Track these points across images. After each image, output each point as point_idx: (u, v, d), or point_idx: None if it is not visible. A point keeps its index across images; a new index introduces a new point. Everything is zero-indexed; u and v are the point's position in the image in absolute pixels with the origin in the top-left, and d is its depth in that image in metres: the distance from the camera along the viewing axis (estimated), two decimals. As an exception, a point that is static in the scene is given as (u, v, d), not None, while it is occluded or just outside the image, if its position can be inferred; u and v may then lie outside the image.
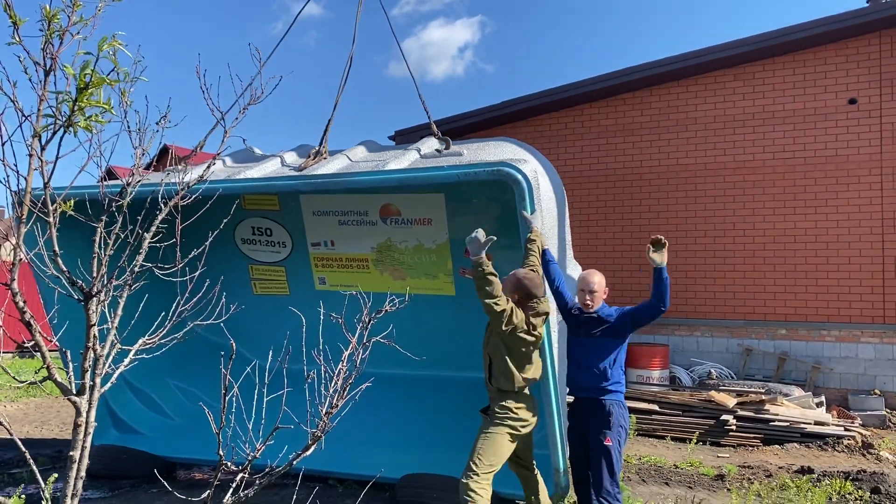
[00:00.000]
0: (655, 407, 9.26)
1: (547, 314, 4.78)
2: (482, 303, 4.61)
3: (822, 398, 10.28)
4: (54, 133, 2.30)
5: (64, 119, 2.27)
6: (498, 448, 4.66)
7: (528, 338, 4.67)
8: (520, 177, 4.99)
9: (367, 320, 3.05)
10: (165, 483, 3.15)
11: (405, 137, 13.62)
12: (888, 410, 10.21)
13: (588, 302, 4.91)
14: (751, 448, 8.60)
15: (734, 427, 8.80)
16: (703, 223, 11.80)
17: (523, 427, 4.74)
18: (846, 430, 8.86)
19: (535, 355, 4.86)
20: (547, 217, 5.46)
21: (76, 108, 2.26)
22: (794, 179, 11.26)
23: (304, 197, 7.19)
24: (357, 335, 2.94)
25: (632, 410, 9.06)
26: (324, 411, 2.81)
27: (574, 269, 6.63)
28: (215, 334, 5.94)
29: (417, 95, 6.97)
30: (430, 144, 6.65)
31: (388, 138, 14.07)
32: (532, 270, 4.91)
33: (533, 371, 4.79)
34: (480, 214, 6.74)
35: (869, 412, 10.04)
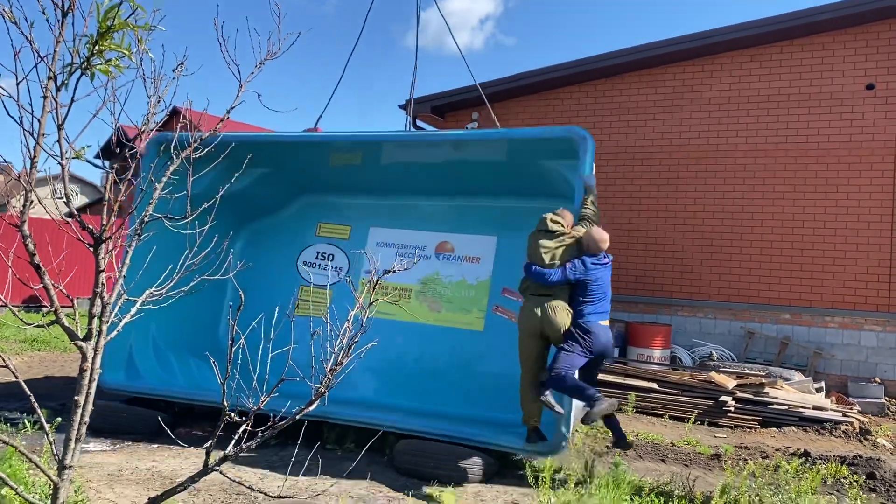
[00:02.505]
0: (655, 385, 9.29)
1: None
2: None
3: (822, 384, 10.30)
4: (70, 74, 2.27)
5: (81, 61, 2.24)
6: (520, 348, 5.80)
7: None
8: (586, 135, 6.15)
9: (374, 280, 3.07)
10: (170, 432, 3.18)
11: (417, 107, 13.55)
12: (887, 399, 10.23)
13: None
14: (748, 430, 8.65)
15: (733, 408, 8.84)
16: (712, 204, 11.73)
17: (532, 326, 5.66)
18: (844, 416, 8.89)
19: None
20: None
21: (96, 50, 2.23)
22: (806, 164, 11.17)
23: (373, 228, 8.11)
24: (363, 293, 2.96)
25: (631, 388, 9.15)
26: (328, 368, 2.83)
27: None
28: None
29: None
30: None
31: (399, 107, 14.02)
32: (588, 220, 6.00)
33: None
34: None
35: (868, 399, 10.07)
